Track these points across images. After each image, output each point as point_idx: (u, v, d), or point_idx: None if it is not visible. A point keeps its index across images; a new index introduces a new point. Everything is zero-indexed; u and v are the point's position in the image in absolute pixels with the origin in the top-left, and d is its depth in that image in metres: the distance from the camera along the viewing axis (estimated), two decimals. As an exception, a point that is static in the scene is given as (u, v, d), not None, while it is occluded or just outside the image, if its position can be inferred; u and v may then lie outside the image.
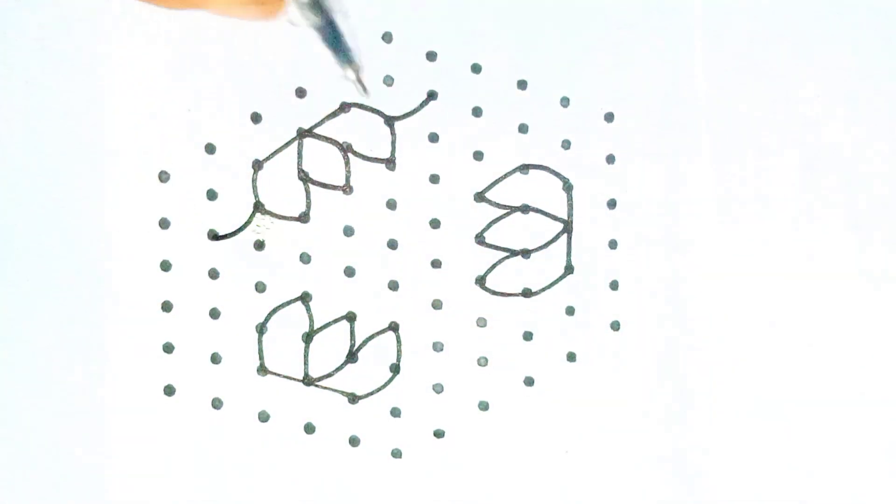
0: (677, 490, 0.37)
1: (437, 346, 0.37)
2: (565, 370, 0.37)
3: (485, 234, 0.37)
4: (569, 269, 0.37)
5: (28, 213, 0.35)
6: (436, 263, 0.37)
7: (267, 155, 0.36)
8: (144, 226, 0.35)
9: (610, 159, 0.37)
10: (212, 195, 0.36)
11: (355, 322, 0.36)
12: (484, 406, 0.37)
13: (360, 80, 0.33)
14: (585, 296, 0.37)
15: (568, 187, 0.37)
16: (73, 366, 0.35)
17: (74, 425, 0.35)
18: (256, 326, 0.36)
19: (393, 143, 0.36)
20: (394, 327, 0.36)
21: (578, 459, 0.37)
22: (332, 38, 0.32)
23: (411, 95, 0.36)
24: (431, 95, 0.36)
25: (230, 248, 0.36)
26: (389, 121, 0.36)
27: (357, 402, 0.36)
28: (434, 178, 0.36)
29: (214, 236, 0.36)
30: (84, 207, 0.35)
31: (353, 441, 0.36)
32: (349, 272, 0.36)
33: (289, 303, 0.36)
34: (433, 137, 0.36)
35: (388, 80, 0.36)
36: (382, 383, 0.36)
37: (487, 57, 0.36)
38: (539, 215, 0.37)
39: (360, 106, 0.36)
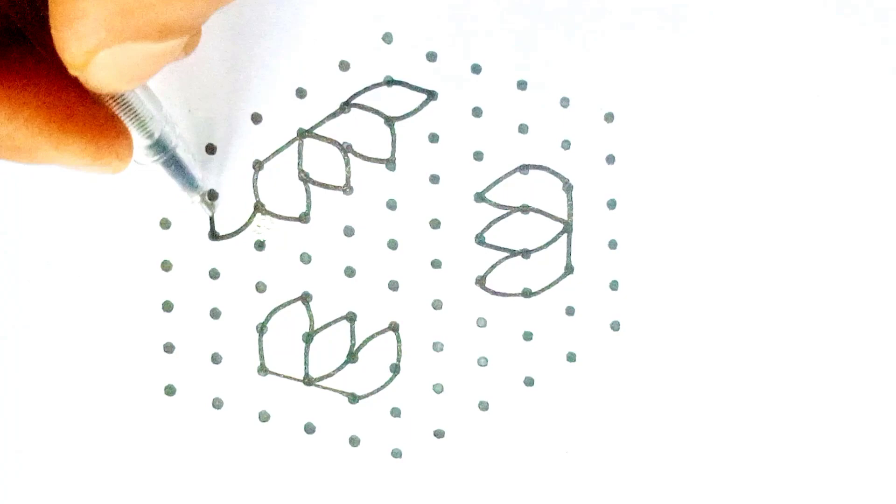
0: (677, 490, 0.37)
1: (437, 346, 0.37)
2: (565, 370, 0.37)
3: (485, 235, 0.37)
4: (569, 270, 0.37)
5: (28, 213, 0.35)
6: (436, 263, 0.37)
7: (267, 155, 0.36)
8: (144, 226, 0.35)
9: (610, 159, 0.37)
10: (212, 195, 0.36)
11: (355, 322, 0.36)
12: (484, 406, 0.37)
13: (205, 203, 0.35)
14: (585, 296, 0.37)
15: (568, 187, 0.37)
16: (73, 366, 0.35)
17: (74, 425, 0.35)
18: (256, 326, 0.36)
19: (393, 143, 0.36)
20: (394, 327, 0.36)
21: (578, 459, 0.37)
22: (177, 170, 0.33)
23: (411, 95, 0.36)
24: (431, 95, 0.36)
25: (230, 248, 0.36)
26: (389, 121, 0.36)
27: (357, 402, 0.36)
28: (434, 178, 0.37)
29: (214, 236, 0.36)
30: (84, 207, 0.35)
31: (353, 441, 0.36)
32: (349, 272, 0.36)
33: (289, 303, 0.36)
34: (433, 137, 0.36)
35: (389, 81, 0.36)
36: (382, 383, 0.36)
37: (487, 57, 0.36)
38: (539, 215, 0.37)
39: (361, 106, 0.36)
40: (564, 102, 0.37)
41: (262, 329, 0.36)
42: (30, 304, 0.35)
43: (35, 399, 0.35)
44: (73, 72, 0.23)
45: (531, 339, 0.37)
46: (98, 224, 0.35)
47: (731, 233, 0.37)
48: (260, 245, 0.36)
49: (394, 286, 0.36)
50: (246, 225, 0.36)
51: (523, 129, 0.37)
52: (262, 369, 0.36)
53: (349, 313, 0.36)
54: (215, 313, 0.36)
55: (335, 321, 0.36)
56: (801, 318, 0.37)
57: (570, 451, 0.37)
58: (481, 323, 0.37)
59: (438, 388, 0.37)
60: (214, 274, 0.36)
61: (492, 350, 0.37)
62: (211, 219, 0.36)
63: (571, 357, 0.37)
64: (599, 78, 0.37)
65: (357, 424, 0.36)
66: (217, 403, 0.36)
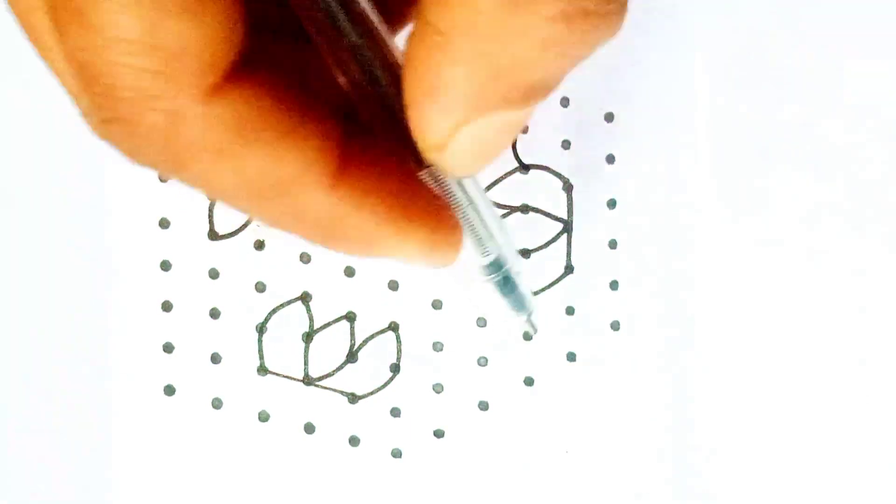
0: (678, 490, 0.37)
1: (437, 346, 0.37)
2: (565, 370, 0.37)
3: (485, 234, 0.37)
4: (569, 269, 0.37)
5: (28, 213, 0.35)
6: (436, 263, 0.37)
7: (267, 155, 0.36)
8: (144, 226, 0.35)
9: (610, 159, 0.37)
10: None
11: (355, 322, 0.36)
12: (484, 406, 0.37)
13: (530, 323, 0.34)
14: (585, 296, 0.37)
15: (568, 187, 0.37)
16: (73, 366, 0.35)
17: (74, 425, 0.35)
18: (256, 326, 0.36)
19: (393, 143, 0.36)
20: (394, 327, 0.36)
21: (578, 459, 0.37)
22: (509, 291, 0.31)
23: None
24: (431, 95, 0.36)
25: (230, 248, 0.36)
26: (389, 121, 0.36)
27: (357, 402, 0.36)
28: (434, 178, 0.36)
29: (214, 236, 0.36)
30: (84, 207, 0.35)
31: (353, 441, 0.36)
32: (349, 272, 0.36)
33: (289, 303, 0.36)
34: (433, 137, 0.36)
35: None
36: (382, 383, 0.36)
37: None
38: (539, 215, 0.37)
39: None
40: (564, 102, 0.37)
41: (261, 329, 0.36)
42: (30, 304, 0.35)
43: (35, 399, 0.35)
44: (429, 155, 0.22)
45: (531, 338, 0.37)
46: (98, 224, 0.35)
47: (730, 232, 0.37)
48: (260, 245, 0.36)
49: (394, 286, 0.36)
50: (246, 225, 0.36)
51: (523, 128, 0.37)
52: (262, 369, 0.36)
53: (349, 313, 0.36)
54: (215, 313, 0.36)
55: (335, 321, 0.36)
56: (801, 316, 0.37)
57: (570, 450, 0.37)
58: (481, 323, 0.37)
59: (438, 388, 0.37)
60: (214, 274, 0.36)
61: (492, 350, 0.37)
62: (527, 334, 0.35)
63: (571, 357, 0.37)
64: (599, 78, 0.37)
65: (357, 424, 0.36)
66: (217, 403, 0.36)
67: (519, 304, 0.32)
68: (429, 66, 0.20)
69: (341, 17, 0.21)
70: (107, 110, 0.20)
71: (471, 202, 0.26)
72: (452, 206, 0.25)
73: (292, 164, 0.21)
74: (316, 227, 0.23)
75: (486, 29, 0.19)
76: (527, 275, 0.31)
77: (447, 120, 0.20)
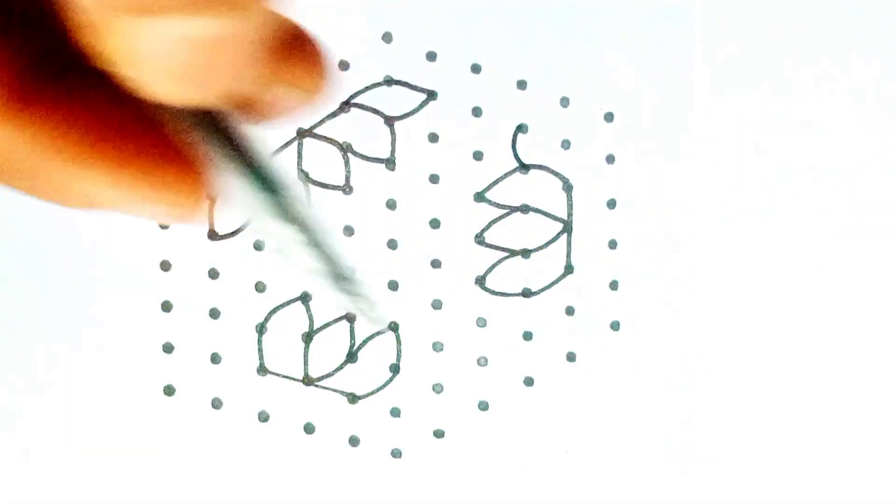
0: (678, 490, 0.37)
1: (437, 346, 0.37)
2: (565, 370, 0.37)
3: (485, 234, 0.37)
4: (569, 269, 0.37)
5: (28, 213, 0.35)
6: (436, 263, 0.37)
7: (267, 155, 0.36)
8: (144, 226, 0.35)
9: (610, 159, 0.37)
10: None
11: (355, 322, 0.36)
12: (484, 406, 0.37)
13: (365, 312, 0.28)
14: (585, 296, 0.37)
15: (568, 187, 0.37)
16: (72, 366, 0.35)
17: (74, 425, 0.35)
18: (256, 326, 0.36)
19: (393, 143, 0.36)
20: (394, 327, 0.36)
21: (578, 459, 0.37)
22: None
23: (411, 95, 0.36)
24: (431, 95, 0.36)
25: (230, 248, 0.36)
26: (389, 121, 0.36)
27: (357, 402, 0.36)
28: (434, 178, 0.36)
29: (214, 236, 0.36)
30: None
31: (353, 441, 0.36)
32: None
33: (289, 303, 0.36)
34: (433, 137, 0.36)
35: (389, 80, 0.36)
36: (382, 383, 0.36)
37: (487, 57, 0.36)
38: (539, 215, 0.37)
39: (361, 106, 0.36)
40: (564, 102, 0.37)
41: (261, 329, 0.36)
42: (30, 305, 0.35)
43: (35, 399, 0.35)
44: (119, 68, 0.18)
45: (531, 338, 0.37)
46: (98, 224, 0.35)
47: (730, 232, 0.37)
48: (260, 245, 0.36)
49: (394, 286, 0.36)
50: (246, 225, 0.36)
51: (523, 128, 0.37)
52: (262, 369, 0.36)
53: (349, 313, 0.36)
54: (215, 313, 0.36)
55: (335, 321, 0.36)
56: (801, 316, 0.37)
57: (570, 450, 0.37)
58: (481, 323, 0.37)
59: (438, 388, 0.37)
60: (214, 274, 0.36)
61: (492, 350, 0.37)
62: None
63: (571, 357, 0.37)
64: (599, 78, 0.37)
65: (357, 424, 0.36)
66: (217, 403, 0.36)
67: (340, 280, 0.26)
68: None
69: None
70: None
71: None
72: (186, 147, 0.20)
73: None
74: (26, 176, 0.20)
75: None
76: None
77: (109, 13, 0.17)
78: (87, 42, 0.19)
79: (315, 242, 0.21)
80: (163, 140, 0.20)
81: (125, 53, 0.18)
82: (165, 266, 0.36)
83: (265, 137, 0.19)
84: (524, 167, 0.37)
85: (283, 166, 0.23)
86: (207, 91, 0.19)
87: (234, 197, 0.19)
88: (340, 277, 0.23)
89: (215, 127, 0.19)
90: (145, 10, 0.18)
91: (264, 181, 0.19)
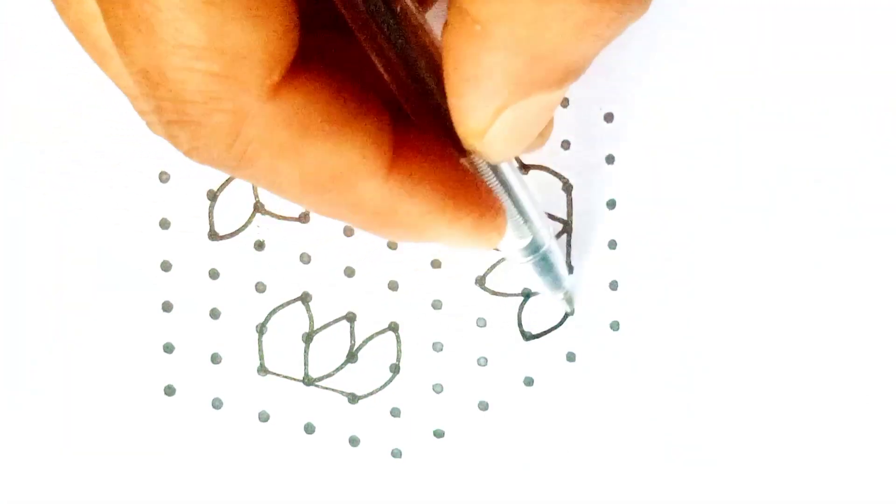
0: (678, 490, 0.37)
1: (437, 346, 0.37)
2: (565, 370, 0.37)
3: (485, 234, 0.37)
4: (568, 269, 0.37)
5: (28, 213, 0.35)
6: (436, 263, 0.37)
7: (267, 155, 0.36)
8: (144, 226, 0.35)
9: (610, 159, 0.37)
10: (212, 195, 0.36)
11: (355, 322, 0.36)
12: (484, 406, 0.37)
13: (567, 299, 0.35)
14: (585, 296, 0.37)
15: (567, 187, 0.37)
16: (72, 365, 0.35)
17: (74, 425, 0.35)
18: (256, 326, 0.36)
19: (393, 143, 0.36)
20: (394, 327, 0.36)
21: (578, 459, 0.37)
22: (546, 270, 0.32)
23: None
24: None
25: (230, 248, 0.36)
26: (389, 121, 0.36)
27: (357, 402, 0.36)
28: (434, 178, 0.36)
29: (214, 236, 0.36)
30: (84, 208, 0.35)
31: (353, 441, 0.36)
32: (349, 272, 0.36)
33: (289, 303, 0.36)
34: (433, 137, 0.36)
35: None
36: (382, 383, 0.36)
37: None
38: (539, 215, 0.37)
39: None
40: (564, 102, 0.37)
41: (261, 329, 0.36)
42: (30, 304, 0.35)
43: (35, 399, 0.35)
44: (470, 141, 0.22)
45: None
46: (98, 224, 0.35)
47: (730, 232, 0.37)
48: (260, 245, 0.36)
49: (394, 286, 0.36)
50: (246, 225, 0.36)
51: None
52: (262, 369, 0.36)
53: (349, 313, 0.36)
54: (215, 313, 0.36)
55: (335, 321, 0.36)
56: (801, 317, 0.37)
57: (569, 450, 0.37)
58: (481, 323, 0.37)
59: (438, 388, 0.37)
60: (214, 274, 0.36)
61: (492, 350, 0.37)
62: (571, 309, 0.36)
63: (571, 357, 0.37)
64: (599, 78, 0.37)
65: (357, 424, 0.36)
66: (217, 403, 0.36)
67: (556, 282, 0.33)
68: (467, 54, 0.20)
69: (378, 8, 0.21)
70: (171, 113, 0.20)
71: (508, 187, 0.26)
72: (494, 191, 0.25)
73: (349, 155, 0.22)
74: (371, 216, 0.23)
75: (523, 15, 0.19)
76: (561, 254, 0.33)
77: (487, 107, 0.21)
78: (454, 110, 0.21)
79: (547, 263, 0.31)
80: (475, 184, 0.25)
81: (481, 132, 0.22)
82: (165, 266, 0.36)
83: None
84: (524, 167, 0.37)
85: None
86: (527, 148, 0.24)
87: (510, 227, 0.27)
88: (557, 285, 0.33)
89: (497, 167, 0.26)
90: (524, 94, 0.20)
91: (523, 213, 0.28)
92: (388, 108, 0.23)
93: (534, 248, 0.31)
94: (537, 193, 0.29)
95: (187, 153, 0.21)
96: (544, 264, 0.32)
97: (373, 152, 0.22)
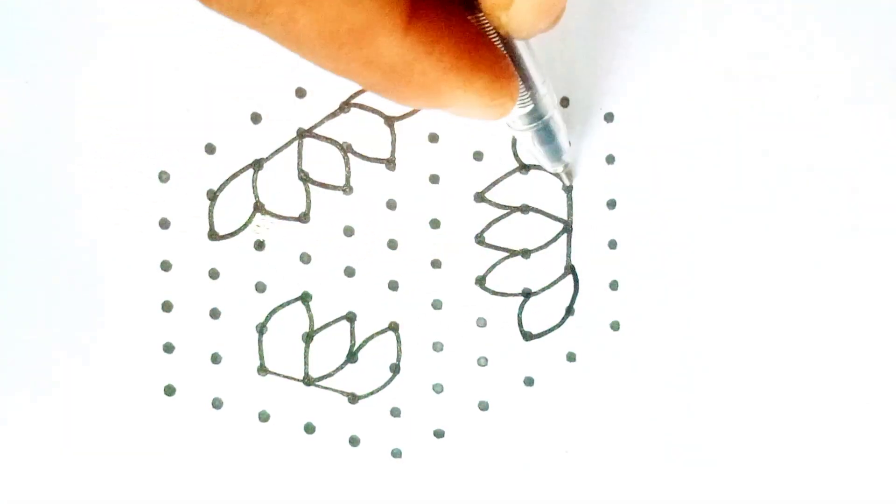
0: (677, 490, 0.37)
1: (437, 346, 0.37)
2: (565, 370, 0.37)
3: (485, 234, 0.37)
4: (569, 270, 0.37)
5: (28, 213, 0.35)
6: (436, 263, 0.37)
7: (267, 155, 0.36)
8: (144, 226, 0.35)
9: (610, 159, 0.37)
10: (212, 195, 0.36)
11: (355, 322, 0.36)
12: (484, 406, 0.37)
13: (567, 173, 0.36)
14: (585, 296, 0.37)
15: (568, 187, 0.37)
16: (72, 366, 0.35)
17: (74, 425, 0.35)
18: (256, 326, 0.36)
19: (393, 143, 0.36)
20: (394, 327, 0.36)
21: (578, 459, 0.37)
22: (547, 139, 0.32)
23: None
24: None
25: (230, 248, 0.36)
26: (389, 121, 0.36)
27: (357, 402, 0.36)
28: (434, 178, 0.36)
29: (214, 236, 0.36)
30: (84, 208, 0.35)
31: (353, 441, 0.36)
32: (349, 272, 0.36)
33: (289, 303, 0.36)
34: (433, 137, 0.36)
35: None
36: (382, 383, 0.36)
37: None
38: (539, 215, 0.37)
39: (361, 106, 0.36)
40: (564, 102, 0.37)
41: (261, 329, 0.36)
42: (30, 305, 0.35)
43: (35, 399, 0.35)
44: (496, 13, 0.23)
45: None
46: (98, 224, 0.35)
47: (730, 232, 0.37)
48: (260, 245, 0.36)
49: (394, 286, 0.36)
50: (246, 225, 0.36)
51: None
52: (262, 369, 0.36)
53: (349, 313, 0.36)
54: (215, 313, 0.36)
55: (335, 321, 0.36)
56: (801, 316, 0.37)
57: (570, 450, 0.37)
58: (481, 323, 0.37)
59: (438, 388, 0.37)
60: (214, 274, 0.36)
61: (492, 350, 0.37)
62: (569, 182, 0.36)
63: (571, 357, 0.37)
64: (599, 78, 0.37)
65: (357, 424, 0.36)
66: (217, 403, 0.36)
67: (556, 153, 0.33)
68: None
69: None
70: None
71: (513, 50, 0.27)
72: (506, 56, 0.26)
73: (369, 8, 0.22)
74: (386, 74, 0.24)
75: None
76: (565, 128, 0.33)
77: None
78: None
79: (549, 132, 0.31)
80: (489, 48, 0.25)
81: (507, 4, 0.23)
82: (165, 266, 0.36)
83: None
84: (524, 167, 0.37)
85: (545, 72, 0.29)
86: (551, 22, 0.25)
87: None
88: (558, 156, 0.33)
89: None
90: None
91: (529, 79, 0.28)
92: None
93: (536, 115, 0.31)
94: (545, 68, 0.29)
95: (206, 2, 0.22)
96: (546, 133, 0.32)
97: (391, 7, 0.22)
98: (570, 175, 0.36)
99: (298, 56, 0.23)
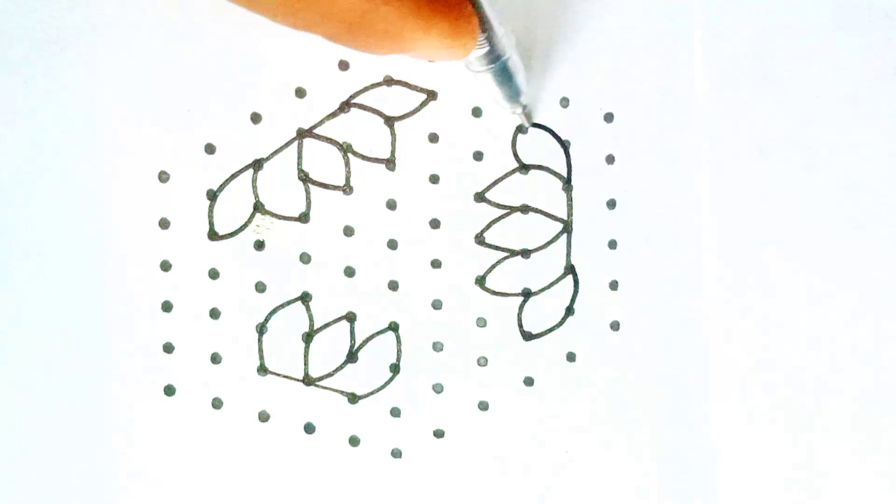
0: (678, 490, 0.37)
1: (437, 346, 0.37)
2: (565, 370, 0.37)
3: (485, 234, 0.37)
4: (569, 270, 0.37)
5: (28, 213, 0.35)
6: (436, 263, 0.37)
7: (267, 155, 0.36)
8: (144, 226, 0.35)
9: (610, 159, 0.37)
10: (211, 195, 0.36)
11: (355, 322, 0.36)
12: (484, 406, 0.37)
13: (525, 114, 0.36)
14: (585, 296, 0.37)
15: (568, 187, 0.37)
16: (72, 366, 0.35)
17: (74, 425, 0.35)
18: (256, 326, 0.36)
19: (393, 143, 0.36)
20: (394, 327, 0.36)
21: (578, 459, 0.37)
22: (505, 80, 0.33)
23: (411, 95, 0.36)
24: (431, 95, 0.36)
25: (230, 248, 0.36)
26: (389, 121, 0.36)
27: (357, 402, 0.36)
28: (434, 178, 0.36)
29: (214, 236, 0.36)
30: (84, 208, 0.35)
31: (353, 441, 0.36)
32: (349, 272, 0.36)
33: (289, 303, 0.36)
34: (433, 137, 0.36)
35: (389, 81, 0.36)
36: (382, 383, 0.36)
37: (487, 57, 0.36)
38: (539, 215, 0.37)
39: (361, 106, 0.36)
40: (564, 102, 0.37)
41: (261, 329, 0.36)
42: (30, 305, 0.35)
43: (35, 399, 0.35)
44: None
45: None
46: (98, 224, 0.35)
47: (730, 232, 0.37)
48: (260, 245, 0.36)
49: (394, 286, 0.36)
50: (246, 225, 0.36)
51: (523, 129, 0.37)
52: (262, 369, 0.36)
53: (349, 313, 0.36)
54: (215, 313, 0.36)
55: (335, 321, 0.36)
56: (801, 316, 0.37)
57: (569, 450, 0.37)
58: (481, 323, 0.37)
59: (438, 388, 0.37)
60: (214, 274, 0.36)
61: (492, 350, 0.37)
62: (518, 130, 0.36)
63: (571, 357, 0.37)
64: (599, 78, 0.37)
65: (357, 424, 0.36)
66: (217, 403, 0.36)
67: (514, 94, 0.34)
68: None
69: None
70: None
71: None
72: None
73: None
74: (346, 21, 0.24)
75: None
76: (524, 69, 0.34)
77: None
78: None
79: (507, 73, 0.33)
80: None
81: None
82: (165, 266, 0.36)
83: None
84: (524, 167, 0.37)
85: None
86: None
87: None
88: (516, 97, 0.34)
89: None
90: None
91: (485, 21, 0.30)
92: None
93: (494, 56, 0.32)
94: (503, 12, 0.31)
95: None
96: (504, 74, 0.33)
97: None
98: (528, 116, 0.36)
99: (255, 14, 0.24)
